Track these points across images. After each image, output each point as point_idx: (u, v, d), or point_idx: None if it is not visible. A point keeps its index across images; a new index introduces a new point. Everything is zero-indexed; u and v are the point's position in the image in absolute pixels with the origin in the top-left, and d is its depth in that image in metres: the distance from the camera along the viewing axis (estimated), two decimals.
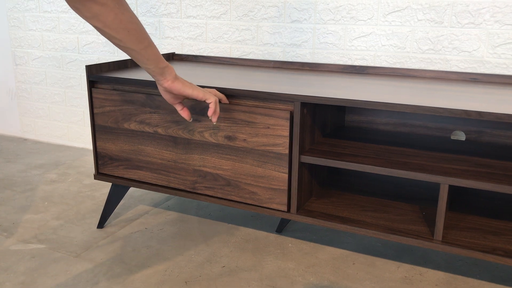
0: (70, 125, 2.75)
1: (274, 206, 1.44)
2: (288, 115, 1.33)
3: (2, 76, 2.88)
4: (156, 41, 2.34)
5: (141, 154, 1.61)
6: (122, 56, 2.46)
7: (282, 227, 1.76)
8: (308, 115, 1.42)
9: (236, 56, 2.17)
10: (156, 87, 1.54)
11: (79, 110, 2.69)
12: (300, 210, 1.48)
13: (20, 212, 1.92)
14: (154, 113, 1.54)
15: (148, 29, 2.35)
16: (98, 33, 2.49)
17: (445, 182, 1.26)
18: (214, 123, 1.39)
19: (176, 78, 1.22)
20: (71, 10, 2.53)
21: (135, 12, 2.36)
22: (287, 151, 1.37)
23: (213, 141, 1.47)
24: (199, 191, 1.54)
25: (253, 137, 1.40)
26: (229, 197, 1.49)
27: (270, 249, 1.64)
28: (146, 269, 1.52)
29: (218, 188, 1.51)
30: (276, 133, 1.36)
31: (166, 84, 1.20)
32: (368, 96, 1.34)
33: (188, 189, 1.56)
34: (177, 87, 1.22)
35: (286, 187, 1.41)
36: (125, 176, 1.66)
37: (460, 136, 1.63)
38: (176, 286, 1.43)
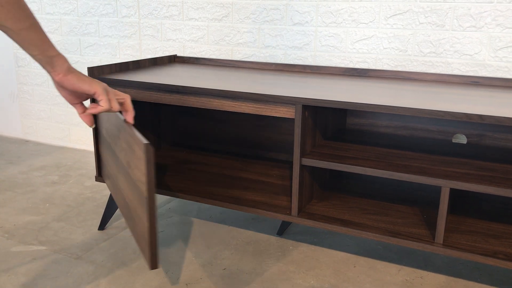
0: (71, 127, 2.76)
1: (146, 259, 1.11)
2: (142, 149, 1.01)
3: (4, 78, 2.89)
4: (157, 43, 2.35)
5: (107, 164, 1.49)
6: (124, 58, 2.47)
7: (283, 230, 1.76)
8: (310, 118, 1.43)
9: (238, 59, 2.17)
10: (155, 90, 1.55)
11: None
12: (301, 212, 1.48)
13: (21, 213, 1.92)
14: (107, 122, 1.39)
15: (150, 31, 2.35)
16: (101, 35, 2.50)
17: (446, 185, 1.26)
18: (91, 126, 1.13)
19: (70, 71, 1.01)
20: (74, 12, 2.54)
21: (137, 14, 2.37)
22: (146, 194, 1.03)
23: (124, 164, 1.22)
24: (125, 219, 1.31)
25: (134, 168, 1.11)
26: (132, 234, 1.24)
27: (271, 251, 1.64)
28: (146, 271, 1.52)
29: (128, 220, 1.25)
30: (141, 168, 1.05)
31: (57, 78, 1.00)
32: (370, 99, 1.34)
33: (122, 213, 1.33)
34: (71, 82, 1.01)
35: (148, 239, 1.05)
36: (107, 182, 1.59)
37: (461, 139, 1.63)
38: None
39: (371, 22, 1.89)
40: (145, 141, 1.01)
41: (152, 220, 1.05)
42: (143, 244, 1.12)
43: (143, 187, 1.05)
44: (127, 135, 1.15)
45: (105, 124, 1.46)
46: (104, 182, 1.70)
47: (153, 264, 1.08)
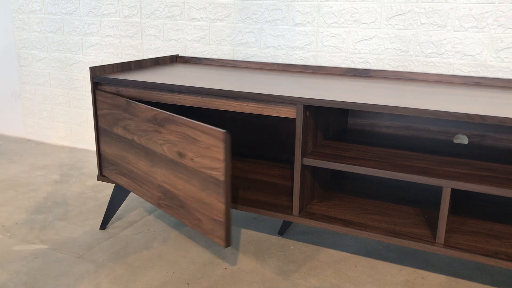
0: (73, 126, 2.76)
1: (215, 239, 1.28)
2: (222, 136, 1.17)
3: (6, 77, 2.90)
4: (159, 43, 2.35)
5: (125, 161, 1.56)
6: (126, 57, 2.47)
7: (284, 230, 1.76)
8: (311, 118, 1.43)
9: (239, 59, 2.17)
10: (156, 90, 1.55)
11: (82, 111, 2.70)
12: (302, 212, 1.48)
13: (23, 212, 1.93)
14: (131, 119, 1.47)
15: (152, 31, 2.36)
16: (102, 35, 2.50)
17: (447, 186, 1.26)
18: None
19: None
20: (76, 12, 2.54)
21: (139, 14, 2.37)
22: (223, 178, 1.20)
23: (170, 156, 1.34)
24: (162, 208, 1.44)
25: (198, 157, 1.25)
26: (182, 220, 1.37)
27: (272, 251, 1.64)
28: (148, 270, 1.52)
29: (174, 208, 1.39)
30: (215, 155, 1.20)
31: None
32: (371, 99, 1.34)
33: (155, 204, 1.46)
34: None
35: (224, 219, 1.23)
36: (117, 181, 1.65)
37: (463, 139, 1.63)
38: (178, 287, 1.43)
39: (372, 22, 1.89)
40: (221, 130, 1.16)
41: (228, 201, 1.20)
42: (209, 226, 1.27)
43: (217, 172, 1.20)
44: (183, 127, 1.26)
45: (124, 122, 1.51)
46: (106, 181, 1.71)
47: (227, 242, 1.24)
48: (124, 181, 1.61)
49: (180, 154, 1.30)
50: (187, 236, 1.74)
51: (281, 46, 2.08)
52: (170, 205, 1.40)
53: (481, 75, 1.77)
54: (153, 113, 1.38)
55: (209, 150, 1.21)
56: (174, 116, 1.30)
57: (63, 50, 2.64)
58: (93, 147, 2.74)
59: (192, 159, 1.27)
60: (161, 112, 1.34)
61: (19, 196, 2.09)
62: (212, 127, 1.19)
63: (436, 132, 1.67)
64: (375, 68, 1.93)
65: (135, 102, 1.46)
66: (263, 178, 1.74)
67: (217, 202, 1.24)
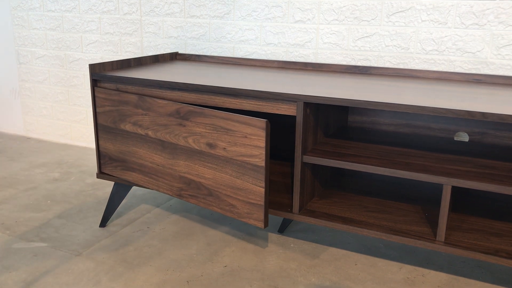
0: (73, 124, 2.76)
1: (252, 222, 1.36)
2: (264, 125, 1.25)
3: (6, 75, 2.89)
4: (159, 41, 2.35)
5: (135, 156, 1.58)
6: (125, 55, 2.47)
7: (284, 227, 1.76)
8: (311, 115, 1.42)
9: (239, 56, 2.17)
10: (156, 87, 1.54)
11: (82, 109, 2.69)
12: (303, 210, 1.47)
13: (22, 210, 1.92)
14: (145, 115, 1.50)
15: (152, 29, 2.35)
16: (102, 32, 2.49)
17: (448, 183, 1.25)
18: None
19: None
20: (75, 9, 2.53)
21: (138, 11, 2.36)
22: (263, 163, 1.28)
23: (196, 147, 1.40)
24: (184, 198, 1.50)
25: (232, 146, 1.33)
26: (210, 207, 1.44)
27: (272, 249, 1.64)
28: (147, 268, 1.52)
29: (201, 197, 1.45)
30: (253, 143, 1.28)
31: None
32: (371, 96, 1.33)
33: (175, 195, 1.52)
34: None
35: (263, 202, 1.32)
36: (122, 177, 1.66)
37: (463, 137, 1.63)
38: (178, 285, 1.43)
39: (373, 19, 1.88)
40: (261, 119, 1.25)
41: (267, 185, 1.30)
42: (245, 210, 1.36)
43: (256, 159, 1.29)
44: (214, 118, 1.34)
45: (134, 118, 1.53)
46: (106, 179, 1.70)
47: (266, 223, 1.33)
48: (132, 177, 1.61)
49: (210, 145, 1.37)
50: (187, 234, 1.74)
51: (281, 43, 2.07)
52: (195, 194, 1.46)
53: (481, 72, 1.76)
54: (175, 107, 1.42)
55: (247, 139, 1.29)
56: (202, 109, 1.35)
57: (63, 47, 2.64)
58: (92, 144, 2.74)
59: (224, 148, 1.34)
60: (185, 105, 1.40)
61: (19, 194, 2.08)
62: (251, 117, 1.27)
63: (436, 130, 1.66)
64: (375, 65, 1.92)
65: (151, 97, 1.49)
66: None
67: (254, 187, 1.32)
